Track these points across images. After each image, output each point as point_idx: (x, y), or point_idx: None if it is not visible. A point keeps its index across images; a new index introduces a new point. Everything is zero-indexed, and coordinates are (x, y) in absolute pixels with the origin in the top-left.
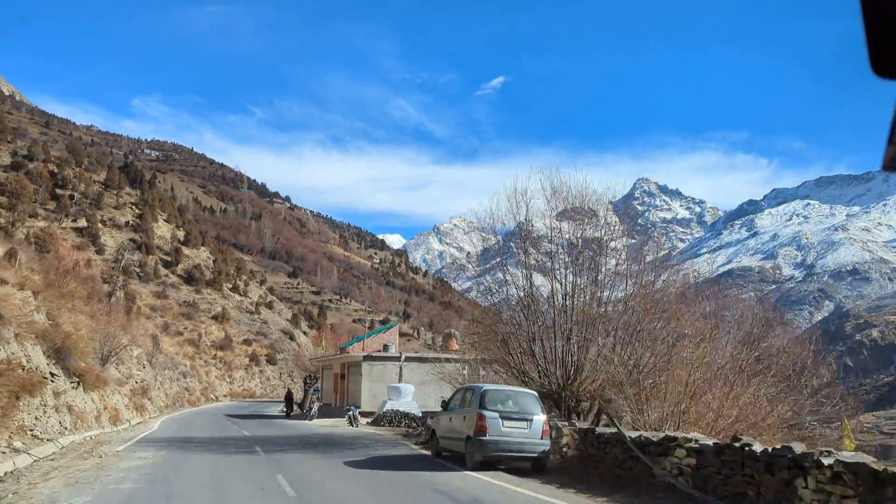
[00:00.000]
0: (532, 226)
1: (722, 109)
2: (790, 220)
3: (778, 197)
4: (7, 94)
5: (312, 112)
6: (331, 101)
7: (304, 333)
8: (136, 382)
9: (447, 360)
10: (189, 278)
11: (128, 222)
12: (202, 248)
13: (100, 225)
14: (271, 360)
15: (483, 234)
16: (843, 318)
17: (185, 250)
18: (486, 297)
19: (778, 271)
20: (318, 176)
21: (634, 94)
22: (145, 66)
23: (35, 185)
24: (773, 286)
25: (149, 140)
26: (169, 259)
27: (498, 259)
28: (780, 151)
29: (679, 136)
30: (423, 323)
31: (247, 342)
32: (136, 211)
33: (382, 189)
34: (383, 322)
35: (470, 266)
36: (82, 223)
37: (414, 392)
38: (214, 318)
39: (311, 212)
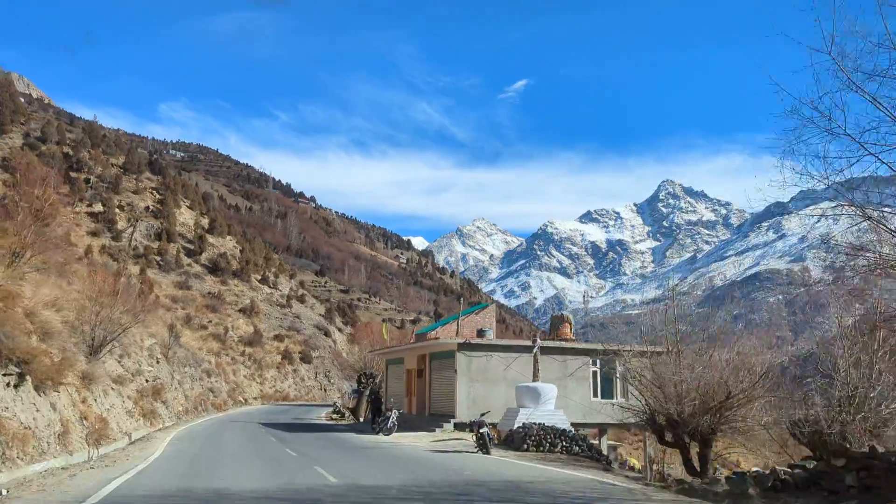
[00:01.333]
0: (555, 227)
1: (747, 111)
2: (818, 221)
3: (806, 199)
4: (35, 97)
5: (336, 116)
6: (354, 105)
7: (339, 330)
8: (147, 381)
9: (606, 352)
10: (214, 268)
11: (148, 207)
12: (228, 237)
13: (117, 210)
14: (306, 358)
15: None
16: (872, 319)
17: (210, 239)
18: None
19: (807, 273)
20: (342, 179)
21: (659, 96)
22: (171, 71)
23: (47, 166)
24: (802, 289)
25: (174, 142)
26: (192, 248)
27: (522, 261)
28: (807, 153)
29: (704, 138)
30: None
31: (278, 338)
32: (157, 196)
33: (405, 192)
34: (414, 321)
35: (493, 269)
36: (98, 208)
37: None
38: (242, 311)
39: (336, 212)
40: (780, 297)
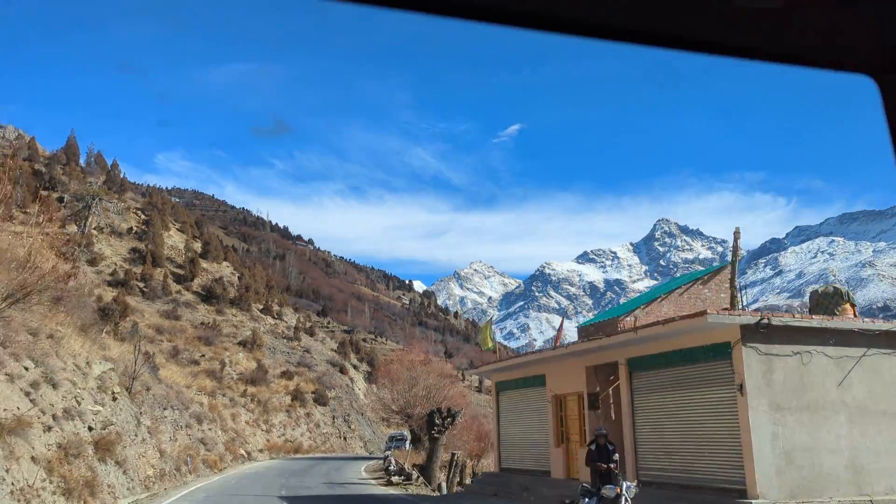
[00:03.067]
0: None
1: (739, 151)
2: (815, 257)
3: (801, 234)
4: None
5: (332, 163)
6: (350, 152)
7: (354, 367)
8: (90, 428)
9: None
10: (208, 296)
11: (131, 229)
12: (224, 263)
13: (94, 232)
14: (320, 400)
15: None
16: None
17: (203, 264)
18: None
19: (806, 309)
20: (339, 226)
21: (651, 138)
22: (169, 121)
23: (12, 182)
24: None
25: (170, 188)
26: (182, 273)
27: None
28: (799, 190)
29: (696, 177)
30: (464, 364)
31: (286, 375)
32: (142, 217)
33: (402, 237)
34: (423, 363)
35: (492, 311)
36: (72, 228)
37: None
38: (242, 344)
39: (334, 256)
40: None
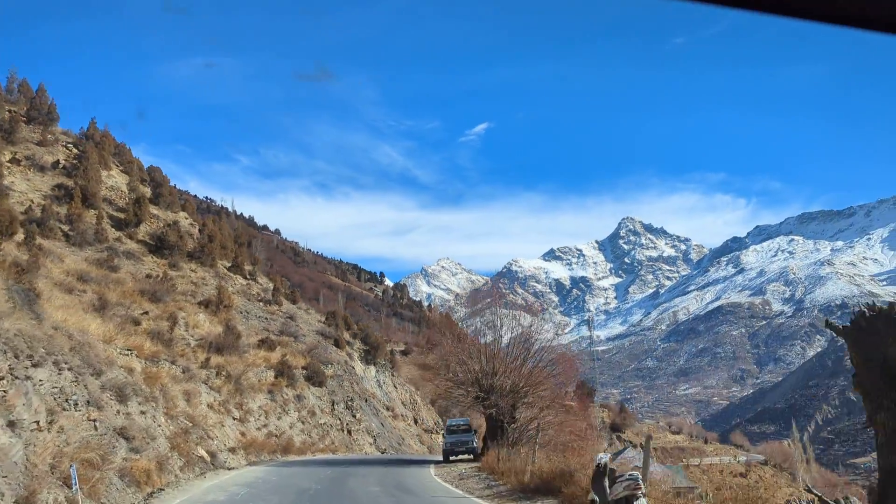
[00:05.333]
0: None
1: (699, 152)
2: (775, 255)
3: (762, 234)
4: None
5: (298, 159)
6: (316, 149)
7: (349, 343)
8: None
9: None
10: (159, 246)
11: (57, 163)
12: (182, 213)
13: (8, 165)
14: (315, 378)
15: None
16: (839, 352)
17: (154, 210)
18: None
19: (767, 307)
20: (305, 222)
21: (615, 138)
22: (132, 116)
23: None
24: (764, 321)
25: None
26: (124, 217)
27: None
28: (758, 191)
29: (659, 177)
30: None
31: (266, 345)
32: (74, 151)
33: (369, 234)
34: (405, 353)
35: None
36: None
37: None
38: (204, 304)
39: (302, 247)
40: (743, 329)
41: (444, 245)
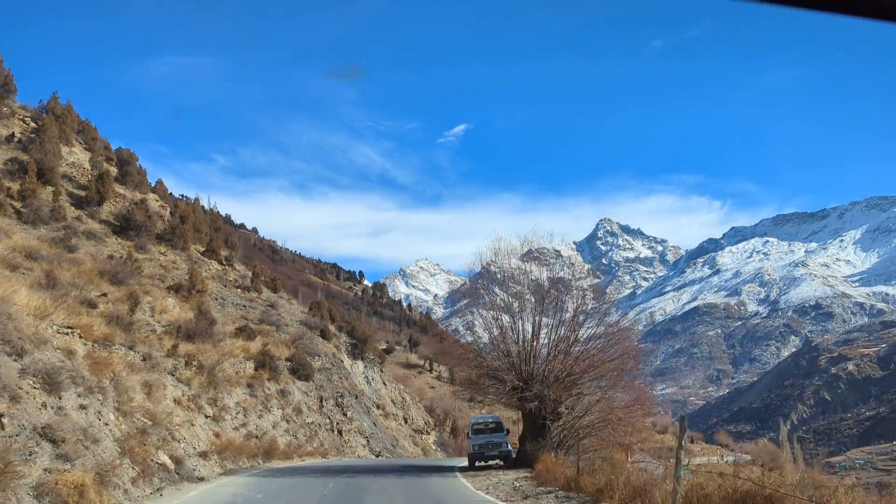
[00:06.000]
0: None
1: (676, 154)
2: (751, 257)
3: (737, 235)
4: None
5: (276, 159)
6: (294, 149)
7: (331, 333)
8: None
9: None
10: (124, 227)
11: (12, 136)
12: (151, 194)
13: None
14: (301, 371)
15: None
16: (814, 353)
17: (119, 189)
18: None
19: (743, 307)
20: (282, 222)
21: (593, 140)
22: (106, 116)
23: None
24: (739, 322)
25: None
26: (85, 195)
27: (466, 301)
28: (733, 193)
29: (636, 179)
30: (426, 355)
31: (244, 333)
32: (32, 125)
33: (347, 234)
34: (388, 351)
35: (438, 309)
36: None
37: None
38: (174, 289)
39: (280, 245)
40: (719, 330)
41: (423, 246)
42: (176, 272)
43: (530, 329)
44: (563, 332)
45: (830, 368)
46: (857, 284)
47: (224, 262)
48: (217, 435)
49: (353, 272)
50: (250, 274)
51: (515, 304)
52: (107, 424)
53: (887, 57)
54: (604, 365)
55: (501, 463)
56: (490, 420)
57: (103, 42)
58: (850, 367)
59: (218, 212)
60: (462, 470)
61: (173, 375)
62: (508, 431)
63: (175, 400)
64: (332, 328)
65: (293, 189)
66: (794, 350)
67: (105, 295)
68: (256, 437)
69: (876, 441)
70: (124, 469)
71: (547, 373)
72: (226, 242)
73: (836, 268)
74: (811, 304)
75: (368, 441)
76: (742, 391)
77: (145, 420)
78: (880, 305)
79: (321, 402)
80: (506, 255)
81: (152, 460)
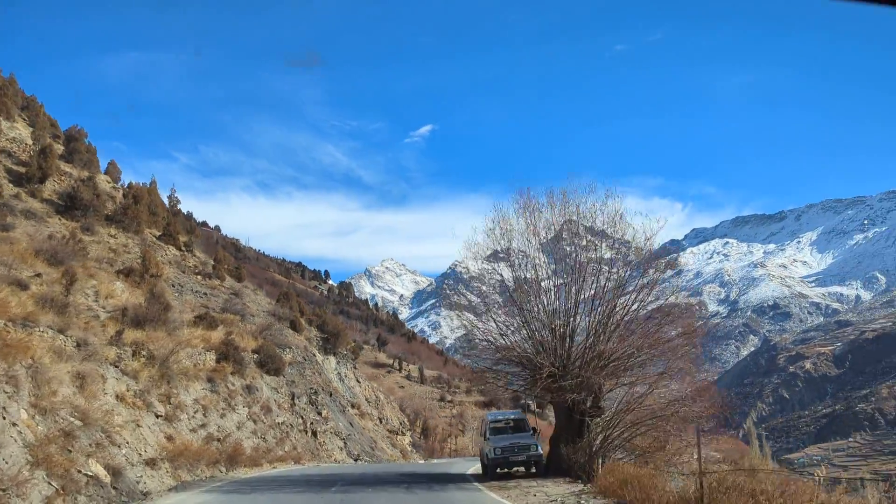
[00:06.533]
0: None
1: (638, 157)
2: (711, 258)
3: (698, 236)
4: None
5: (239, 158)
6: (258, 148)
7: (302, 326)
8: None
9: None
10: (69, 206)
11: None
12: (103, 176)
13: None
14: (270, 365)
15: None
16: (772, 352)
17: (67, 167)
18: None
19: (703, 308)
20: (246, 221)
21: (556, 141)
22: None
23: None
24: (700, 322)
25: None
26: (25, 171)
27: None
28: (694, 196)
29: (599, 181)
30: (395, 354)
31: (205, 321)
32: None
33: (312, 234)
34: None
35: (404, 309)
36: None
37: None
38: (123, 273)
39: (243, 243)
40: (681, 329)
41: (389, 246)
42: (127, 256)
43: (557, 303)
44: (608, 303)
45: (788, 367)
46: (813, 285)
47: (183, 248)
48: (170, 438)
49: (319, 271)
50: (212, 261)
51: (547, 271)
52: (15, 425)
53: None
54: (659, 347)
55: (528, 470)
56: (511, 417)
57: (58, 36)
58: (808, 365)
59: (178, 198)
60: (478, 479)
61: (116, 366)
62: (536, 431)
63: (118, 396)
64: (302, 321)
65: (257, 188)
66: (753, 349)
67: (39, 275)
68: (218, 439)
69: (832, 438)
70: (35, 485)
71: (588, 357)
72: (186, 230)
73: (793, 269)
74: (769, 304)
75: (346, 443)
76: (702, 390)
77: (73, 420)
78: (835, 305)
79: (293, 399)
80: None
81: (79, 471)
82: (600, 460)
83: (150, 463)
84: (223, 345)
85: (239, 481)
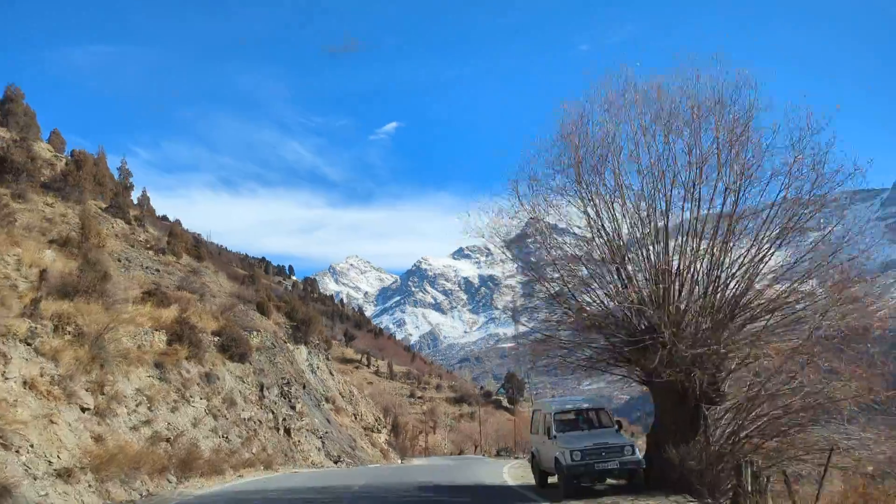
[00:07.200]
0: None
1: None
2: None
3: None
4: None
5: (202, 154)
6: (222, 143)
7: (270, 310)
8: None
9: None
10: None
11: None
12: (44, 144)
13: None
14: (234, 350)
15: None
16: None
17: (0, 132)
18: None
19: None
20: (208, 218)
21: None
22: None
23: None
24: None
25: None
26: None
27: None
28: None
29: (561, 182)
30: (363, 349)
31: (155, 298)
32: None
33: (275, 231)
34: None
35: (368, 307)
36: None
37: None
38: (59, 242)
39: (205, 236)
40: None
41: (353, 243)
42: (66, 227)
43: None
44: (727, 251)
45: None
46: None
47: (133, 222)
48: (98, 439)
49: (283, 266)
50: (167, 237)
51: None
52: None
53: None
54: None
55: (619, 481)
56: (586, 406)
57: (15, 27)
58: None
59: (129, 170)
60: (540, 493)
61: (28, 344)
62: (621, 426)
63: (27, 382)
64: (270, 305)
65: (220, 185)
66: None
67: None
68: (167, 440)
69: None
70: None
71: (701, 318)
72: (139, 205)
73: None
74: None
75: (324, 443)
76: None
77: None
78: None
79: (262, 390)
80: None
81: None
82: (718, 466)
83: (63, 474)
84: (177, 324)
85: (194, 501)
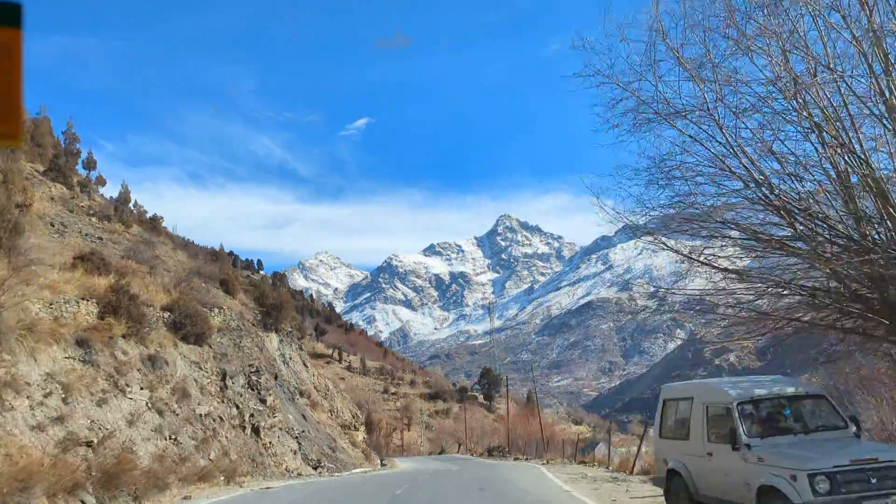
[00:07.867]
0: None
1: (569, 155)
2: (640, 253)
3: (627, 232)
4: None
5: (169, 148)
6: (189, 137)
7: (237, 289)
8: None
9: None
10: None
11: None
12: None
13: None
14: (190, 330)
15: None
16: (698, 345)
17: None
18: None
19: (633, 302)
20: (176, 213)
21: (493, 139)
22: None
23: None
24: (630, 315)
25: None
26: None
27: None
28: (624, 195)
29: (534, 178)
30: (334, 344)
31: (88, 264)
32: None
33: (244, 226)
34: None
35: (338, 303)
36: None
37: None
38: None
39: (171, 229)
40: (612, 324)
41: (323, 239)
42: None
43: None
44: None
45: (714, 360)
46: (734, 280)
47: (77, 187)
48: None
49: (252, 260)
50: (114, 205)
51: None
52: None
53: None
54: None
55: None
56: (802, 391)
57: None
58: (732, 358)
59: (76, 135)
60: None
61: None
62: (859, 424)
63: None
64: (237, 284)
65: (187, 179)
66: (679, 342)
67: None
68: (88, 444)
69: None
70: None
71: None
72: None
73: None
74: (696, 297)
75: (300, 444)
76: (632, 382)
77: None
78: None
79: (224, 379)
80: None
81: None
82: None
83: None
84: (112, 292)
85: None
